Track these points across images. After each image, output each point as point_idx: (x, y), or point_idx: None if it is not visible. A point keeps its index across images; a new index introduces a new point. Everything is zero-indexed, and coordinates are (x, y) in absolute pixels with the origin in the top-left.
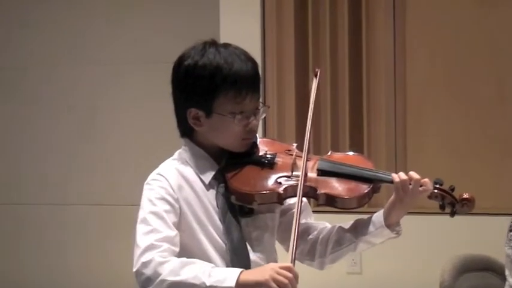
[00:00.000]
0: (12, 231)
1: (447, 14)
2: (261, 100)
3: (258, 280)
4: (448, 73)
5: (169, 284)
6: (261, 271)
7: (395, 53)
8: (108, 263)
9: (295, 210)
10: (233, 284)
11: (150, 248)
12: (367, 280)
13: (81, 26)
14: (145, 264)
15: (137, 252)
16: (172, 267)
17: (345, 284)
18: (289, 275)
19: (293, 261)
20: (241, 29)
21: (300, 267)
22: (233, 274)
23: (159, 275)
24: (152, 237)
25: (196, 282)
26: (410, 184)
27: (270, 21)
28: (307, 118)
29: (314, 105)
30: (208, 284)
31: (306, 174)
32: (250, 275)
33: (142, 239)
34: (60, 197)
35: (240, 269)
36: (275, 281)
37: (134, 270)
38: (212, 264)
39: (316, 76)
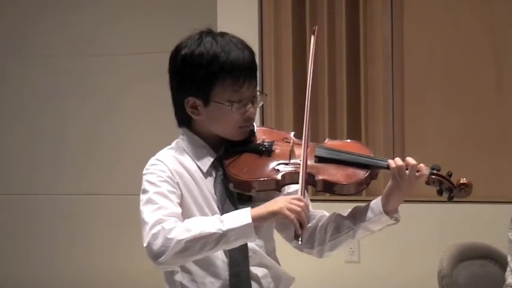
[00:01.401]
0: (24, 221)
1: (445, 3)
2: (258, 88)
3: (271, 210)
4: (446, 61)
5: (186, 242)
6: (273, 203)
7: (393, 41)
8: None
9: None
10: (249, 220)
11: (158, 222)
12: (365, 269)
13: (79, 18)
14: (155, 236)
15: (146, 227)
16: (182, 228)
17: (343, 273)
18: (301, 203)
19: (302, 193)
20: (238, 17)
21: (299, 257)
22: (245, 212)
23: (172, 239)
24: (160, 213)
25: (212, 230)
26: (407, 170)
27: (268, 9)
28: (304, 106)
29: (311, 93)
30: (224, 229)
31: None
32: (262, 209)
33: (149, 215)
34: (75, 188)
35: (249, 207)
36: (289, 209)
37: (145, 244)
38: (216, 215)
39: (313, 33)
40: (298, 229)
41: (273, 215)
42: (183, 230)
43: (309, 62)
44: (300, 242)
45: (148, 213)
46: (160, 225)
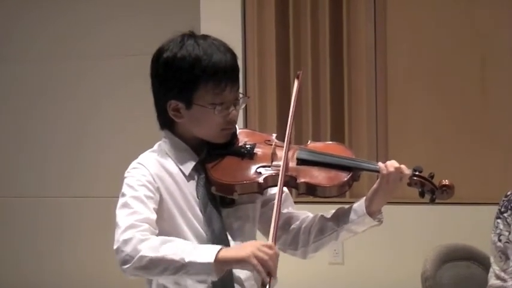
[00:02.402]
0: (11, 224)
1: (429, 5)
2: (240, 91)
3: (238, 256)
4: (429, 63)
5: (148, 260)
6: (241, 248)
7: (376, 43)
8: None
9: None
10: (212, 259)
11: (131, 226)
12: (349, 270)
13: (65, 21)
14: (126, 242)
15: (118, 231)
16: (152, 244)
17: (327, 275)
18: (270, 251)
19: (274, 240)
20: (221, 19)
21: (282, 258)
22: (212, 250)
23: (139, 251)
24: (133, 218)
25: (176, 258)
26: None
27: (251, 12)
28: (288, 109)
29: (295, 99)
30: (187, 260)
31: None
32: (230, 252)
33: (123, 219)
34: (58, 190)
35: (220, 246)
36: (256, 257)
37: (115, 247)
38: (192, 242)
39: (297, 78)
40: (265, 279)
41: (239, 262)
42: (151, 247)
43: (292, 103)
44: None
45: (122, 217)
46: (134, 232)
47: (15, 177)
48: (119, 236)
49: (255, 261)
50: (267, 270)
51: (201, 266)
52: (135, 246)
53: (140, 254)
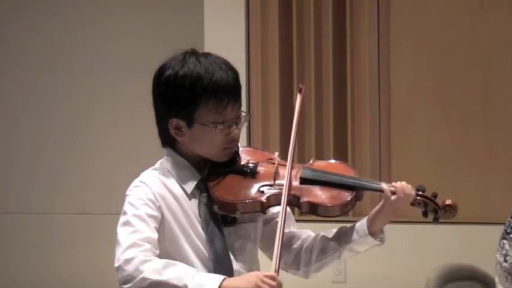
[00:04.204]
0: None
1: (431, 21)
2: (243, 108)
3: (241, 287)
4: (432, 79)
5: (150, 283)
6: (245, 279)
7: (380, 59)
8: (96, 273)
9: (278, 219)
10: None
11: (133, 245)
12: None
13: (67, 35)
14: (127, 261)
15: (119, 249)
16: (155, 267)
17: None
18: (273, 283)
19: (277, 270)
20: (225, 36)
21: (285, 276)
22: (216, 280)
23: (141, 272)
24: (135, 237)
25: (178, 283)
26: (395, 194)
27: (254, 28)
28: (291, 126)
29: (298, 113)
30: (189, 287)
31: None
32: (234, 282)
33: (124, 238)
34: (46, 206)
35: (224, 276)
36: None
37: (116, 265)
38: (195, 269)
39: (300, 92)
40: None
41: None
42: (154, 270)
43: (295, 117)
44: None
45: (123, 235)
46: (136, 252)
47: (2, 193)
48: (120, 255)
49: None
50: None
51: None
52: (137, 267)
53: (142, 275)
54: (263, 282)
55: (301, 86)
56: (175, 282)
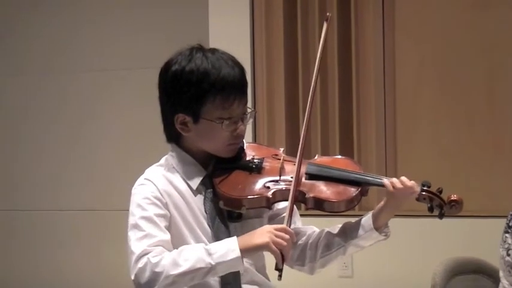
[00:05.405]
0: (4, 238)
1: (436, 17)
2: (248, 104)
3: (258, 244)
4: (437, 76)
5: (175, 277)
6: (258, 234)
7: (385, 57)
8: (101, 269)
9: (284, 214)
10: (238, 254)
11: (144, 253)
12: (358, 284)
13: (71, 33)
14: (141, 270)
15: (132, 258)
16: (170, 261)
17: None
18: (287, 236)
19: (288, 223)
20: (230, 32)
21: (290, 272)
22: (232, 244)
23: (160, 273)
24: (145, 243)
25: (202, 265)
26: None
27: (259, 25)
28: (297, 122)
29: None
30: (213, 263)
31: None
32: (248, 240)
33: (136, 245)
34: (52, 203)
35: (234, 237)
36: (274, 242)
37: (132, 277)
38: (201, 243)
39: (327, 20)
40: (280, 263)
41: (260, 248)
42: (171, 264)
43: (319, 50)
44: (279, 278)
45: (134, 241)
46: (147, 258)
47: (10, 190)
48: (134, 266)
49: (274, 248)
50: (282, 255)
51: (229, 263)
52: (153, 270)
53: (164, 274)
54: (277, 236)
55: (328, 14)
56: (198, 265)
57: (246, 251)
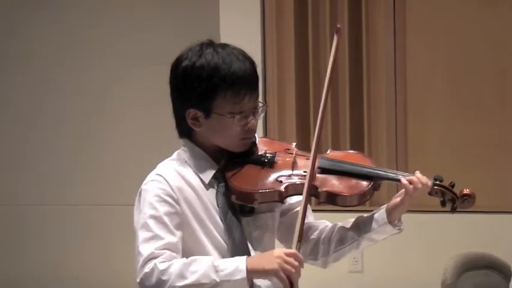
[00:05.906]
0: (13, 233)
1: (448, 15)
2: (259, 99)
3: (266, 269)
4: (448, 73)
5: None
6: (268, 259)
7: (396, 53)
8: (110, 264)
9: (296, 209)
10: (244, 275)
11: (151, 256)
12: (368, 278)
13: (83, 28)
14: (148, 275)
15: (139, 260)
16: (176, 271)
17: (346, 283)
18: (296, 263)
19: (298, 248)
20: (241, 27)
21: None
22: (241, 264)
23: (165, 281)
24: (153, 245)
25: (206, 281)
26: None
27: (270, 20)
28: (307, 117)
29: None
30: (218, 280)
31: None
32: (258, 263)
33: (143, 246)
34: (60, 198)
35: (244, 257)
36: (283, 269)
37: (138, 280)
38: (210, 257)
39: (337, 32)
40: None
41: (268, 273)
42: (178, 275)
43: (329, 62)
44: None
45: (142, 242)
46: (154, 263)
47: (18, 185)
48: (140, 269)
49: (282, 275)
50: (291, 283)
51: (235, 283)
52: (159, 277)
53: (168, 284)
54: (287, 263)
55: (338, 25)
56: (203, 280)
57: (253, 273)
